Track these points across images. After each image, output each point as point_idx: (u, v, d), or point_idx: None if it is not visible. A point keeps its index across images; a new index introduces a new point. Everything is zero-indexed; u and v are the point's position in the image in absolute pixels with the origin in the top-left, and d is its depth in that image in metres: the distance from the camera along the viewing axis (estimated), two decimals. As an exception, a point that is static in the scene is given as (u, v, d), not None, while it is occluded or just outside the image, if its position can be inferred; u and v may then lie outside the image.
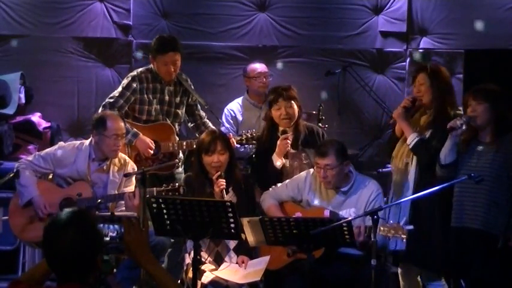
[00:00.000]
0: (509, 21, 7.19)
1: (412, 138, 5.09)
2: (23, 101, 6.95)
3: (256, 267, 4.99)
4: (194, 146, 5.70)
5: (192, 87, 6.04)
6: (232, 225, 4.51)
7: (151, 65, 5.89)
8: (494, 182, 4.74)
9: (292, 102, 5.52)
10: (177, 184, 5.25)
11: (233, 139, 5.68)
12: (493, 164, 4.74)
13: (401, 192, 5.17)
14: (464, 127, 4.77)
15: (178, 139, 5.85)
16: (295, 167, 5.55)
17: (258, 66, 6.54)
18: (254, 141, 5.79)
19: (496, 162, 4.74)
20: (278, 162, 5.49)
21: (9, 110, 6.84)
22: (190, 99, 6.01)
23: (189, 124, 6.14)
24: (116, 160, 5.44)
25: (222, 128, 6.32)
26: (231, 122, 6.42)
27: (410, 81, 5.39)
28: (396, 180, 5.25)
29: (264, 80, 6.45)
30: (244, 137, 5.80)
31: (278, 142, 5.47)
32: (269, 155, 5.53)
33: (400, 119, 5.20)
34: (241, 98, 6.55)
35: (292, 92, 5.56)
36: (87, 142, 5.47)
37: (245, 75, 6.57)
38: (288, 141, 5.46)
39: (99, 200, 5.25)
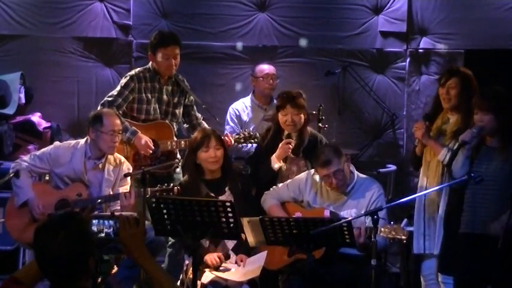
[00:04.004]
0: (509, 21, 7.19)
1: (443, 155, 5.07)
2: (23, 101, 6.95)
3: (255, 264, 5.01)
4: None
5: (189, 87, 6.05)
6: (232, 225, 4.51)
7: (149, 65, 5.91)
8: (504, 188, 4.68)
9: (300, 110, 5.49)
10: (171, 184, 5.26)
11: (231, 137, 5.70)
12: (501, 173, 4.70)
13: (435, 208, 5.17)
14: (475, 140, 4.74)
15: (176, 138, 5.87)
16: (292, 171, 5.54)
17: (266, 67, 6.52)
18: (252, 140, 5.80)
19: (505, 171, 4.70)
20: (276, 164, 5.48)
21: (9, 110, 6.85)
22: (186, 100, 6.03)
23: (185, 125, 6.14)
24: (112, 159, 5.45)
25: (227, 127, 6.32)
26: (236, 121, 6.41)
27: (440, 82, 5.31)
28: (431, 197, 5.19)
29: (271, 81, 6.43)
30: (242, 135, 5.82)
31: (280, 145, 5.47)
32: (268, 156, 5.53)
33: (425, 139, 5.17)
34: (246, 98, 6.54)
35: (301, 100, 5.52)
36: (82, 141, 5.48)
37: (253, 75, 6.56)
38: (290, 146, 5.46)
39: (99, 200, 5.26)
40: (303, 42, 7.24)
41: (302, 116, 5.52)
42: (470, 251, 4.74)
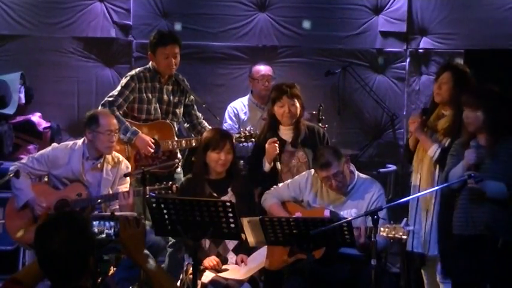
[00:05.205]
0: (509, 21, 7.18)
1: (433, 151, 5.10)
2: (23, 101, 6.95)
3: (256, 262, 5.04)
4: (193, 145, 5.73)
5: (189, 87, 6.06)
6: (232, 225, 4.51)
7: (149, 65, 5.91)
8: None
9: (296, 100, 5.53)
10: (170, 182, 5.27)
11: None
12: (492, 171, 4.69)
13: (426, 207, 5.19)
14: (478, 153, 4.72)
15: (176, 138, 5.87)
16: (292, 165, 5.56)
17: (262, 69, 6.50)
18: (252, 139, 5.81)
19: (495, 170, 4.70)
20: (266, 166, 5.50)
21: (9, 110, 6.84)
22: (187, 99, 6.04)
23: (185, 124, 6.15)
24: (110, 158, 5.47)
25: (225, 125, 6.33)
26: (234, 119, 6.42)
27: (434, 77, 5.40)
28: (426, 202, 5.22)
29: (267, 83, 6.43)
30: (242, 134, 5.83)
31: (266, 146, 5.47)
32: (263, 153, 5.53)
33: (418, 133, 5.22)
34: (245, 97, 6.55)
35: (296, 90, 5.56)
36: (80, 142, 5.49)
37: (250, 75, 6.57)
38: (276, 145, 5.45)
39: (99, 200, 5.27)
40: (306, 24, 7.24)
41: (298, 105, 5.54)
42: (466, 252, 4.74)
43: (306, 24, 7.24)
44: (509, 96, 4.85)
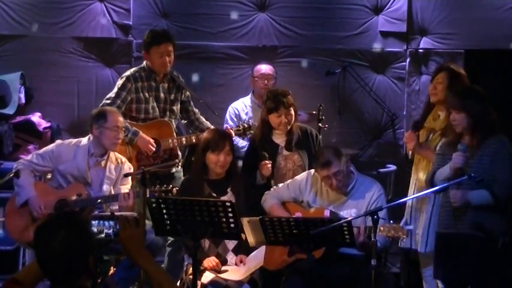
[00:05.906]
0: (509, 21, 7.19)
1: None
2: (23, 101, 6.95)
3: (254, 261, 5.04)
4: (194, 141, 5.73)
5: (184, 83, 6.06)
6: (232, 225, 4.52)
7: (144, 64, 5.92)
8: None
9: (291, 108, 5.54)
10: (170, 186, 5.27)
11: (231, 131, 5.72)
12: (478, 169, 4.69)
13: (420, 206, 5.23)
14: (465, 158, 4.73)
15: (176, 135, 5.88)
16: (288, 168, 5.57)
17: (263, 68, 6.52)
18: (252, 131, 5.82)
19: (482, 167, 4.70)
20: (259, 182, 5.51)
21: (9, 110, 6.85)
22: (183, 96, 6.04)
23: (183, 121, 6.16)
24: (113, 158, 5.48)
25: (226, 125, 6.33)
26: (235, 119, 6.42)
27: (430, 79, 5.46)
28: (422, 201, 5.24)
29: (266, 82, 6.43)
30: (241, 127, 5.85)
31: (259, 167, 5.47)
32: (257, 157, 5.53)
33: (417, 150, 5.29)
34: (246, 97, 6.56)
35: (290, 98, 5.57)
36: (85, 139, 5.51)
37: (251, 74, 6.58)
38: (269, 166, 5.46)
39: (99, 200, 5.27)
40: (234, 16, 7.24)
41: (293, 113, 5.56)
42: (453, 251, 4.73)
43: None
44: (492, 96, 4.87)
